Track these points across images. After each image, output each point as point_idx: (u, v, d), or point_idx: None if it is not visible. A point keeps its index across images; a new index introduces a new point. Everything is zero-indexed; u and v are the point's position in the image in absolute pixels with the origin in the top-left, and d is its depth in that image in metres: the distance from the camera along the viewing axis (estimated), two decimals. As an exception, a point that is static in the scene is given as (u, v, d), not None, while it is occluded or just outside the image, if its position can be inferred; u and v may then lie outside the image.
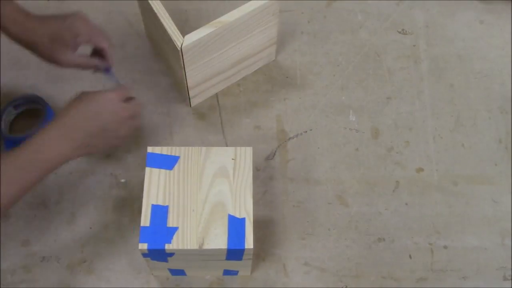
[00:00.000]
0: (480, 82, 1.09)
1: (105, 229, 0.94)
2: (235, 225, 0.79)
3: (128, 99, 0.85)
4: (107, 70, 0.92)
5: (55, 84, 1.05)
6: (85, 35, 0.87)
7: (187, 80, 0.96)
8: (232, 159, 0.83)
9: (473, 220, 0.97)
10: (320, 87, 1.07)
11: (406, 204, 0.98)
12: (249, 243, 0.78)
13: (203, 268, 0.88)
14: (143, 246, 0.76)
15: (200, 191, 0.81)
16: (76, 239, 0.93)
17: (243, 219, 0.79)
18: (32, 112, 1.02)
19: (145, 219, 0.78)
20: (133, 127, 0.86)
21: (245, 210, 0.80)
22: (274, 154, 1.01)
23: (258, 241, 0.94)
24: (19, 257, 0.92)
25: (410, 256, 0.94)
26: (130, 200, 0.96)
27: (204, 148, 0.84)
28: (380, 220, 0.97)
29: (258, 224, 0.95)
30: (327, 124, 1.04)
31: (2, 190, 0.72)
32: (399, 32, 1.14)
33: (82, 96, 0.81)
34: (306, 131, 1.03)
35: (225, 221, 0.79)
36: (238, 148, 0.84)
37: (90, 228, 0.94)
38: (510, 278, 0.93)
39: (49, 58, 0.87)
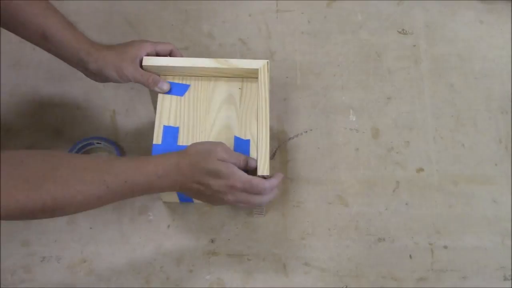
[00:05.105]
0: (480, 82, 1.09)
1: (105, 229, 0.94)
2: (241, 146, 0.86)
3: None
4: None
5: (55, 84, 1.05)
6: (149, 46, 0.88)
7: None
8: (239, 88, 0.91)
9: (473, 220, 0.97)
10: (320, 87, 1.07)
11: (406, 204, 0.98)
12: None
13: None
14: None
15: (208, 115, 0.89)
16: (76, 239, 0.93)
17: (248, 140, 0.87)
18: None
19: (157, 138, 0.85)
20: (245, 206, 0.83)
21: (250, 133, 0.87)
22: (274, 154, 1.01)
23: (258, 240, 0.94)
24: (19, 257, 0.92)
25: (410, 256, 0.94)
26: (130, 200, 0.96)
27: (213, 79, 0.91)
28: (380, 220, 0.97)
29: (259, 224, 0.95)
30: (327, 124, 1.04)
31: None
32: (399, 32, 1.14)
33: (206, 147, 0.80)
34: (306, 131, 1.03)
35: (231, 142, 0.86)
36: (245, 79, 0.91)
37: (90, 228, 0.94)
38: (510, 278, 0.93)
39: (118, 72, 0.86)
